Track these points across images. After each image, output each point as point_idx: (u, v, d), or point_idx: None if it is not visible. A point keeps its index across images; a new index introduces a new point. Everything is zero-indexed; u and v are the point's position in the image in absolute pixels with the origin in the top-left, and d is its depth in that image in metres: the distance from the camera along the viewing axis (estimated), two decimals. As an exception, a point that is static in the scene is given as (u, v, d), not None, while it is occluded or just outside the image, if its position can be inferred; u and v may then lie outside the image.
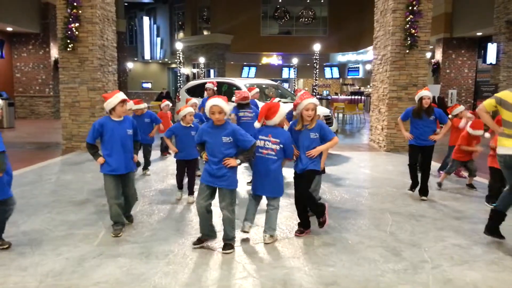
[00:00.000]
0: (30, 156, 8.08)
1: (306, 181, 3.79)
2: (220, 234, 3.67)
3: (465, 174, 6.16)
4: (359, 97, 21.63)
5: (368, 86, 22.44)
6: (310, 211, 3.99)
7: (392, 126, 8.96)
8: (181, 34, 30.86)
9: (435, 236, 3.96)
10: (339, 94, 26.32)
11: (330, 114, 8.97)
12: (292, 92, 11.17)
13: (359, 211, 4.76)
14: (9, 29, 15.46)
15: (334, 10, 26.99)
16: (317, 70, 22.29)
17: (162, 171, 6.86)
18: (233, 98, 6.02)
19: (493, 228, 3.82)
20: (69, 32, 8.51)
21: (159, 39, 33.03)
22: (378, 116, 9.69)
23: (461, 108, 6.20)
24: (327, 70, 29.31)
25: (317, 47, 21.81)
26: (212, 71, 26.22)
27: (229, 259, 3.40)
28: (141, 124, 5.97)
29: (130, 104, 5.97)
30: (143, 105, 6.55)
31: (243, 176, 6.33)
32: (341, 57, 28.57)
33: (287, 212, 4.61)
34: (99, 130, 3.81)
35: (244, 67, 28.71)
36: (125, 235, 3.89)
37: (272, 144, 3.63)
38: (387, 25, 9.01)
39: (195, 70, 27.95)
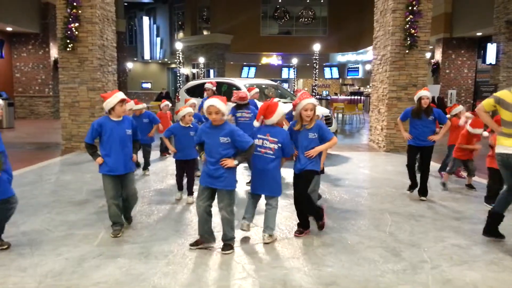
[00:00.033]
0: (29, 156, 8.08)
1: (305, 181, 3.79)
2: (219, 235, 3.67)
3: (464, 174, 6.16)
4: (359, 97, 21.63)
5: (368, 86, 22.44)
6: (309, 215, 4.00)
7: (391, 126, 8.96)
8: (180, 34, 30.86)
9: (434, 236, 3.96)
10: (338, 94, 26.36)
11: (329, 114, 8.97)
12: (292, 92, 11.17)
13: (358, 211, 4.76)
14: (9, 29, 15.46)
15: (334, 10, 27.01)
16: (316, 70, 22.31)
17: (162, 171, 6.87)
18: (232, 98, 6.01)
19: (491, 230, 3.83)
20: (69, 32, 8.51)
21: (158, 39, 33.04)
22: (378, 116, 9.69)
23: (460, 108, 6.21)
24: (327, 70, 29.33)
25: (316, 47, 21.82)
26: (211, 71, 26.23)
27: (229, 259, 3.40)
28: (140, 124, 5.97)
29: (131, 104, 5.98)
30: (142, 105, 6.58)
31: (243, 176, 6.32)
32: (340, 57, 28.58)
33: (286, 212, 4.61)
34: (97, 130, 3.80)
35: (244, 67, 28.72)
36: (124, 236, 3.89)
37: (270, 143, 3.65)
38: (387, 25, 9.01)
39: (194, 70, 27.96)
